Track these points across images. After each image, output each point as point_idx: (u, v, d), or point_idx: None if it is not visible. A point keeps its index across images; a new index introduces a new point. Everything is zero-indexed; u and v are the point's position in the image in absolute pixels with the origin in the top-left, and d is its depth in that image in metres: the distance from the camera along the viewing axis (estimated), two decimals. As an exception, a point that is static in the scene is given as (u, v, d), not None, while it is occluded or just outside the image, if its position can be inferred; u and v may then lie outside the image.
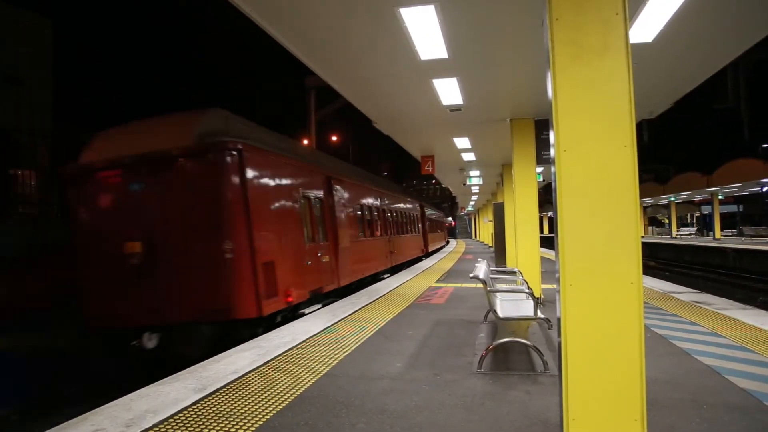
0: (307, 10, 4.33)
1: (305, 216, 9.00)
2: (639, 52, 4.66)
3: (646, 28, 4.67)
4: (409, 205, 20.73)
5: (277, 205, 8.02)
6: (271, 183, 7.92)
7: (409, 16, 4.37)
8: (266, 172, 7.72)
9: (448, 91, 6.75)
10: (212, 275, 6.75)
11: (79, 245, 7.39)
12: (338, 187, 10.95)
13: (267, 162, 7.79)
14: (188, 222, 6.87)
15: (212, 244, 6.77)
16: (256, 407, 3.61)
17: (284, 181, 8.38)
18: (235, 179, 6.91)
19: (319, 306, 8.89)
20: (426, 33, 4.75)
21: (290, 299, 7.81)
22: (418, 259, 21.18)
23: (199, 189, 6.87)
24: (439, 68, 5.83)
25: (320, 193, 9.90)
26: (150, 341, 6.82)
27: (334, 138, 34.71)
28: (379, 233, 14.77)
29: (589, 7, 2.50)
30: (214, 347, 5.96)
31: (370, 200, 14.05)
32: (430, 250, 25.38)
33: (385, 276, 14.69)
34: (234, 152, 6.89)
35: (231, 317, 6.69)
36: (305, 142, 22.69)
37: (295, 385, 4.10)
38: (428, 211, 27.26)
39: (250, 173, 7.08)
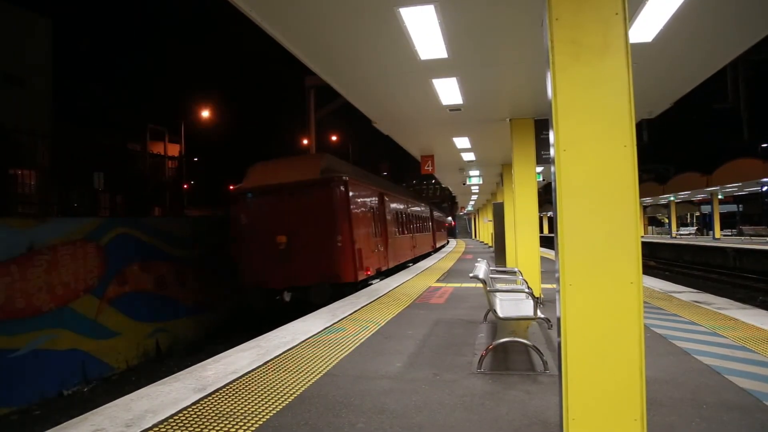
0: (306, 10, 4.32)
1: (371, 219, 13.46)
2: (639, 51, 4.67)
3: (645, 28, 4.66)
4: (423, 209, 25.30)
5: (360, 213, 12.41)
6: (358, 199, 12.33)
7: (409, 16, 4.37)
8: (356, 193, 12.15)
9: (448, 91, 6.74)
10: (329, 255, 11.04)
11: (243, 237, 11.61)
12: (386, 198, 15.53)
13: (355, 186, 12.23)
14: (314, 224, 11.09)
15: (329, 237, 11.06)
16: (256, 407, 3.61)
17: (363, 198, 12.83)
18: (343, 198, 11.31)
19: (378, 279, 13.04)
20: (426, 33, 4.74)
21: (368, 272, 12.18)
22: (428, 254, 24.62)
23: (322, 204, 11.20)
24: (438, 68, 5.83)
25: (377, 204, 14.33)
26: (287, 296, 11.17)
27: (334, 138, 34.70)
28: (407, 232, 19.19)
29: (589, 7, 2.50)
30: (331, 299, 9.54)
31: (402, 207, 18.72)
32: (437, 246, 30.27)
33: (410, 264, 18.50)
34: (342, 182, 11.35)
35: (340, 281, 10.97)
36: (305, 141, 23.10)
37: (295, 385, 4.10)
38: (435, 213, 31.90)
39: (350, 194, 11.49)
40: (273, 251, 11.00)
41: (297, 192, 11.23)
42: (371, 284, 11.82)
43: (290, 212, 11.16)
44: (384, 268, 14.13)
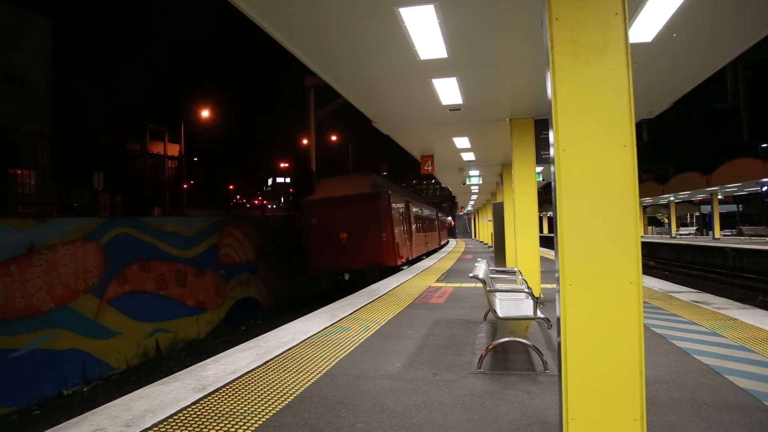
0: (306, 10, 4.32)
1: (402, 221, 17.80)
2: (638, 51, 4.67)
3: (645, 28, 4.66)
4: (432, 212, 30.31)
5: (396, 217, 16.53)
6: (395, 207, 16.49)
7: (409, 15, 4.36)
8: (394, 202, 16.35)
9: (448, 91, 6.74)
10: (377, 247, 15.35)
11: (312, 234, 15.89)
12: (410, 204, 20.07)
13: (394, 198, 16.40)
14: (366, 225, 15.44)
15: (377, 234, 15.42)
16: (256, 407, 3.61)
17: (397, 206, 17.06)
18: (387, 207, 15.65)
19: (406, 266, 17.27)
20: (425, 33, 4.74)
21: (402, 260, 16.56)
22: (435, 250, 28.67)
23: (371, 211, 15.54)
24: (438, 68, 5.82)
25: (404, 209, 18.59)
26: (347, 276, 15.96)
27: (334, 138, 34.69)
28: (422, 231, 23.64)
29: (589, 7, 2.50)
30: (380, 277, 13.62)
31: (419, 210, 23.25)
32: (441, 243, 35.18)
33: (423, 257, 22.72)
34: (386, 194, 15.76)
35: (385, 265, 15.34)
36: (305, 141, 23.42)
37: (295, 385, 4.10)
38: (439, 215, 36.81)
39: (391, 204, 15.85)
40: (337, 244, 15.40)
41: (354, 202, 15.68)
42: (402, 269, 16.23)
43: (349, 216, 15.52)
44: (410, 258, 18.73)
